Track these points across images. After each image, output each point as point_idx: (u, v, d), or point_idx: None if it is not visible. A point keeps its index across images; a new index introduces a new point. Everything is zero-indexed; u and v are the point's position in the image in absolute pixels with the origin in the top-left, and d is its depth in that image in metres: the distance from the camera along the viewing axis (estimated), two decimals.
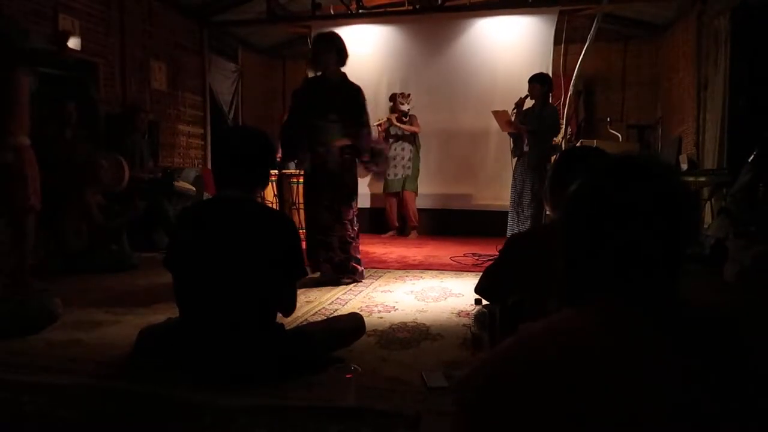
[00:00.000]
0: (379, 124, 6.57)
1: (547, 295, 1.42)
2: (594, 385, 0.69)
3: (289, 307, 2.16)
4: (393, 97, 6.67)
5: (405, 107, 6.49)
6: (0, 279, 3.25)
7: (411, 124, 6.50)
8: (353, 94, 3.71)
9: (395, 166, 6.53)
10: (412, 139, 6.53)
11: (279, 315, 2.17)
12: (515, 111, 5.23)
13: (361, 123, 3.71)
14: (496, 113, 5.33)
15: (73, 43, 5.07)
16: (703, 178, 4.89)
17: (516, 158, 5.27)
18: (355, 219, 3.79)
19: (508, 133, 5.39)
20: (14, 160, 3.28)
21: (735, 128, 5.18)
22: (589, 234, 0.83)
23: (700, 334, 0.75)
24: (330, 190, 3.67)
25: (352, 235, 3.75)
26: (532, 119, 5.08)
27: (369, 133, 3.84)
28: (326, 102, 3.66)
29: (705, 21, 5.77)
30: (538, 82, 5.09)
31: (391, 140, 6.55)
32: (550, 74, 6.41)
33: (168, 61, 6.51)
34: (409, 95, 6.54)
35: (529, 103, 5.23)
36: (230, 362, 1.96)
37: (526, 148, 5.10)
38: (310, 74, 3.95)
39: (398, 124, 6.50)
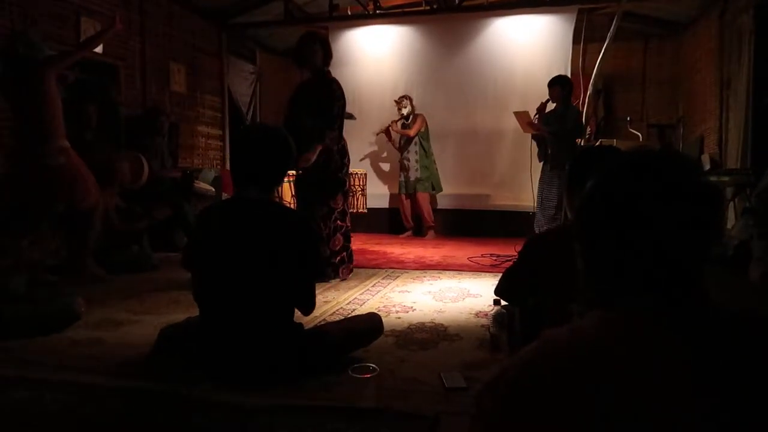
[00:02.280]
0: (384, 132, 6.60)
1: (567, 296, 1.41)
2: (619, 394, 0.68)
3: (309, 306, 2.16)
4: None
5: (403, 111, 6.46)
6: (23, 277, 3.32)
7: (414, 125, 6.47)
8: (325, 98, 3.78)
9: (408, 169, 6.54)
10: (415, 140, 6.49)
11: (297, 314, 2.17)
12: (537, 116, 5.21)
13: (322, 131, 3.76)
14: (517, 114, 5.32)
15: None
16: (726, 178, 4.80)
17: (542, 162, 5.26)
18: (333, 216, 3.84)
19: (532, 137, 5.37)
20: (66, 162, 3.47)
21: (759, 127, 5.09)
22: (604, 236, 0.80)
23: (728, 338, 0.73)
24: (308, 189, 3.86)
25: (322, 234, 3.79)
26: (554, 121, 5.06)
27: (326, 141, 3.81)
28: (303, 104, 3.79)
29: (728, 18, 5.68)
30: (558, 84, 5.06)
31: (405, 143, 6.56)
32: (569, 73, 6.38)
33: (187, 63, 6.57)
34: (404, 98, 6.49)
35: (551, 106, 5.22)
36: (249, 362, 1.97)
37: (549, 151, 5.08)
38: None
39: (396, 129, 6.52)
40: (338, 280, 3.83)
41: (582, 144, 6.09)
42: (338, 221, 3.89)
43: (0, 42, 3.96)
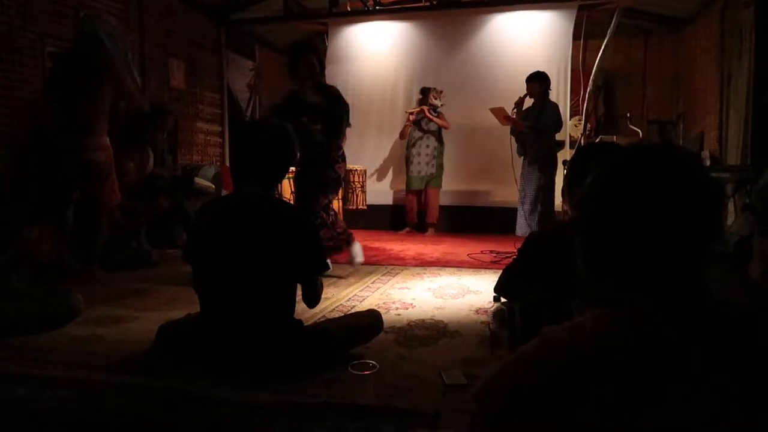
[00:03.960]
0: (411, 113, 6.55)
1: (568, 294, 1.41)
2: (620, 392, 0.67)
3: (314, 299, 2.20)
4: (424, 91, 6.57)
5: (438, 102, 6.46)
6: (24, 273, 3.33)
7: (444, 119, 6.48)
8: (333, 100, 3.87)
9: (419, 163, 6.52)
10: (439, 135, 6.50)
11: (297, 311, 2.17)
12: (515, 111, 5.21)
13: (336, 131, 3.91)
14: (493, 110, 5.34)
15: None
16: (726, 175, 4.79)
17: (522, 157, 5.27)
18: (330, 206, 4.01)
19: (510, 132, 5.39)
20: (104, 159, 3.55)
21: (759, 123, 5.08)
22: (604, 231, 0.80)
23: (730, 336, 0.73)
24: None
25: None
26: (532, 116, 5.07)
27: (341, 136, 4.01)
28: (308, 108, 3.82)
29: (729, 14, 5.66)
30: (536, 80, 5.06)
31: (418, 134, 6.53)
32: (569, 69, 6.38)
33: (186, 59, 6.56)
34: (442, 92, 6.49)
35: (529, 102, 5.23)
36: (249, 358, 1.97)
37: (526, 147, 5.11)
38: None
39: (429, 116, 6.46)
40: (354, 249, 4.01)
41: (580, 139, 6.09)
42: (333, 209, 4.08)
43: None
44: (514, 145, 5.44)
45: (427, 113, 6.45)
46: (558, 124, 5.18)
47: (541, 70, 5.29)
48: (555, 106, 5.23)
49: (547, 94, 5.19)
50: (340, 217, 4.26)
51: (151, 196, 4.80)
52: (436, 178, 6.51)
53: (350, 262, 4.04)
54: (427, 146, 6.49)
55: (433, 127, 6.48)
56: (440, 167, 6.54)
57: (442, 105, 6.48)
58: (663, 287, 0.76)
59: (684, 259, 0.76)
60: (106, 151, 3.57)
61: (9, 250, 3.28)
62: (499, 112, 5.30)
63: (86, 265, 3.66)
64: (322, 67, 4.01)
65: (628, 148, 0.85)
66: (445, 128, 6.47)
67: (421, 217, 6.66)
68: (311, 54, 3.90)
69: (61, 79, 3.63)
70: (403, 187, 6.73)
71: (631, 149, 0.83)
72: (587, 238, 0.84)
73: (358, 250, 4.09)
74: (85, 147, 3.47)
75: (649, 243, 0.76)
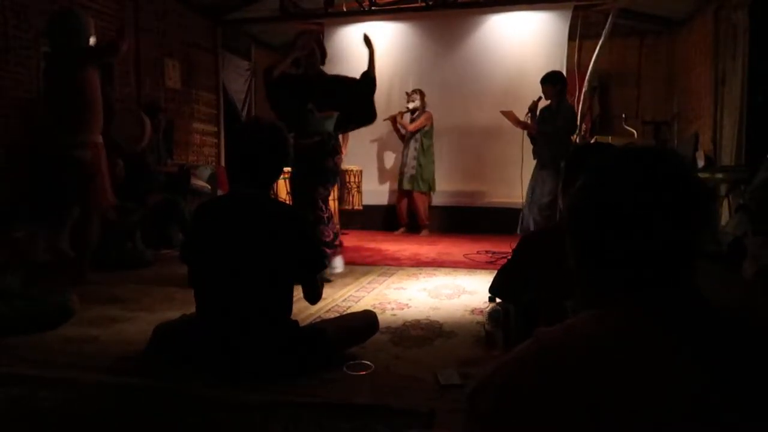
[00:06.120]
0: (391, 119, 6.59)
1: (562, 294, 1.41)
2: (614, 392, 0.68)
3: (315, 298, 2.21)
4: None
5: (410, 104, 6.53)
6: (19, 274, 3.31)
7: (416, 121, 6.51)
8: (354, 89, 3.92)
9: (405, 164, 6.57)
10: (416, 136, 6.52)
11: (293, 311, 2.17)
12: (529, 115, 5.19)
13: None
14: (504, 113, 5.33)
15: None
16: (720, 175, 4.81)
17: (536, 160, 5.25)
18: (328, 200, 3.97)
19: (527, 135, 5.37)
20: (92, 158, 3.43)
21: (753, 124, 5.10)
22: (594, 233, 0.80)
23: (724, 336, 0.73)
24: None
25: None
26: (548, 118, 5.05)
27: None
28: (322, 94, 3.83)
29: (723, 15, 5.68)
30: (549, 82, 5.03)
31: (408, 136, 6.59)
32: (565, 70, 6.38)
33: (182, 59, 6.54)
34: (415, 92, 6.53)
35: (544, 103, 5.20)
36: (245, 358, 1.97)
37: (539, 150, 5.08)
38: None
39: (401, 121, 6.56)
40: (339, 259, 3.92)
41: (575, 139, 6.09)
42: (330, 204, 4.05)
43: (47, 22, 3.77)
44: (510, 145, 5.44)
45: (399, 119, 6.56)
46: (573, 126, 5.12)
47: (536, 70, 5.28)
48: (570, 107, 5.17)
49: (564, 94, 5.12)
50: (336, 217, 4.17)
51: (144, 194, 4.78)
52: (417, 180, 6.48)
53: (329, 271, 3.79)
54: (414, 148, 6.54)
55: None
56: (422, 167, 6.50)
57: (415, 105, 6.51)
58: (653, 288, 0.76)
59: (682, 260, 0.77)
60: (95, 150, 3.46)
61: (1, 250, 3.27)
62: (509, 116, 5.28)
63: (79, 262, 3.65)
64: (323, 57, 3.99)
65: (617, 150, 0.85)
66: (406, 129, 6.52)
67: (412, 217, 6.68)
68: (313, 43, 3.92)
69: (49, 76, 3.55)
70: (396, 187, 6.76)
71: (620, 151, 0.84)
72: (578, 239, 0.84)
73: (338, 262, 3.94)
74: (74, 145, 3.37)
75: (637, 244, 0.76)
